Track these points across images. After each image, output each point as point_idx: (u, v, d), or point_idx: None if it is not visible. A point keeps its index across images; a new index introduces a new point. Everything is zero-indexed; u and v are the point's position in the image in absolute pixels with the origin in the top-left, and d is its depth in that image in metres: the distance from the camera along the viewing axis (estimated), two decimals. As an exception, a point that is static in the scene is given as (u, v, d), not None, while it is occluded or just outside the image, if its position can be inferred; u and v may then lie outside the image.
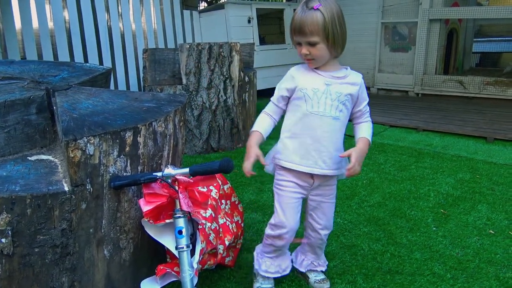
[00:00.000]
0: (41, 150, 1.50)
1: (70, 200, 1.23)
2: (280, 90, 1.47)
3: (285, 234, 1.47)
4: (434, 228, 2.15)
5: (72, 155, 1.20)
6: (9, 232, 1.17)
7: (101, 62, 4.33)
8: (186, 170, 1.24)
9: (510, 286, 1.68)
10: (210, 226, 1.46)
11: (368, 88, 6.54)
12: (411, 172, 3.02)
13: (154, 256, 1.56)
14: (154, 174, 1.25)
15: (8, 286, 1.20)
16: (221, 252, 1.56)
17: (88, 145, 1.23)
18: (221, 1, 8.59)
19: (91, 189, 1.27)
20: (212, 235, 1.47)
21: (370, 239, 2.04)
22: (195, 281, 1.27)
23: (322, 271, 1.67)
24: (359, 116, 1.53)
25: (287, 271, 1.60)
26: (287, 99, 1.47)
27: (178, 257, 1.27)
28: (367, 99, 1.53)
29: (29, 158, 1.42)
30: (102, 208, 1.31)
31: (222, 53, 3.45)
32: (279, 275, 1.58)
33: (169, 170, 1.26)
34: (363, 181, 2.84)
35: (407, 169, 3.08)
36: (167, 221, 1.29)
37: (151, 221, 1.28)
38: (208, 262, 1.51)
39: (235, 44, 3.55)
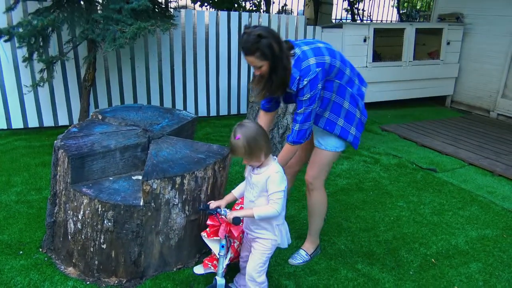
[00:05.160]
0: (140, 172, 2.62)
1: (142, 210, 2.31)
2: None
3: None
4: (411, 272, 2.72)
5: (144, 188, 2.27)
6: (112, 220, 2.30)
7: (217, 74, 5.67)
8: (223, 212, 2.16)
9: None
10: (239, 244, 2.36)
11: (487, 112, 6.52)
12: (443, 218, 3.44)
13: (191, 246, 2.59)
14: (216, 210, 2.19)
15: (109, 247, 2.36)
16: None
17: (154, 183, 2.28)
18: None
19: (154, 205, 2.33)
20: (240, 247, 2.39)
21: (351, 268, 2.72)
22: (223, 274, 2.20)
23: None
24: (268, 200, 2.04)
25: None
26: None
27: (218, 259, 2.20)
28: (276, 190, 2.00)
29: (133, 178, 2.56)
30: (160, 216, 2.37)
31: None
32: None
33: (219, 211, 2.18)
34: (391, 217, 3.41)
35: (442, 214, 3.50)
36: (215, 238, 2.21)
37: (205, 236, 2.25)
38: (235, 260, 2.43)
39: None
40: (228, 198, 2.32)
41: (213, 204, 2.24)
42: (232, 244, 2.33)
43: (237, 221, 2.07)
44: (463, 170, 4.51)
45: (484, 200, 3.79)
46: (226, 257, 2.22)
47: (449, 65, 7.00)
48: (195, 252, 2.63)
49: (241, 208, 2.41)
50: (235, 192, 2.34)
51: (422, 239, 3.12)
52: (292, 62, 2.24)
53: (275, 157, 2.16)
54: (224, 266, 2.21)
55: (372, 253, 2.91)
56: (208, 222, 2.21)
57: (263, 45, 2.10)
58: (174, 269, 2.55)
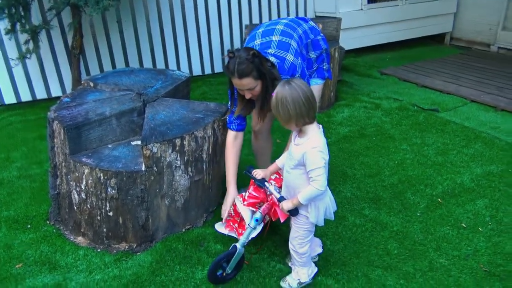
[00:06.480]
0: (139, 137, 2.58)
1: (145, 175, 2.28)
2: None
3: None
4: (418, 214, 2.73)
5: (145, 152, 2.24)
6: (116, 187, 2.29)
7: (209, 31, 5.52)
8: (278, 196, 2.04)
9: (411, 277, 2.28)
10: (269, 220, 2.28)
11: (488, 46, 6.36)
12: (448, 157, 3.42)
13: (197, 207, 2.59)
14: (265, 183, 2.10)
15: (116, 214, 2.35)
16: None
17: (154, 147, 2.24)
18: None
19: (156, 169, 2.30)
20: (267, 219, 2.30)
21: (359, 215, 2.74)
22: (245, 244, 2.14)
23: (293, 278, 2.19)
24: (309, 178, 1.89)
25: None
26: None
27: (246, 229, 2.14)
28: (313, 167, 1.83)
29: (132, 143, 2.52)
30: (163, 179, 2.35)
31: (304, 34, 4.09)
32: None
33: (272, 189, 2.06)
34: (395, 161, 3.40)
35: (446, 154, 3.48)
36: (251, 208, 2.18)
37: (240, 200, 2.22)
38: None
39: (317, 24, 4.13)
40: (271, 168, 2.19)
41: (259, 175, 2.15)
42: (264, 220, 2.22)
43: (295, 213, 1.96)
44: (465, 108, 4.45)
45: (488, 136, 3.75)
46: (254, 230, 2.13)
47: (447, 0, 6.76)
48: (202, 212, 2.64)
49: (276, 179, 2.27)
50: (279, 162, 2.17)
51: (428, 180, 3.11)
52: (276, 71, 2.19)
53: (320, 126, 1.93)
54: (249, 239, 2.14)
55: (379, 198, 2.92)
56: (251, 192, 2.15)
57: (258, 64, 2.06)
58: (183, 230, 2.56)
